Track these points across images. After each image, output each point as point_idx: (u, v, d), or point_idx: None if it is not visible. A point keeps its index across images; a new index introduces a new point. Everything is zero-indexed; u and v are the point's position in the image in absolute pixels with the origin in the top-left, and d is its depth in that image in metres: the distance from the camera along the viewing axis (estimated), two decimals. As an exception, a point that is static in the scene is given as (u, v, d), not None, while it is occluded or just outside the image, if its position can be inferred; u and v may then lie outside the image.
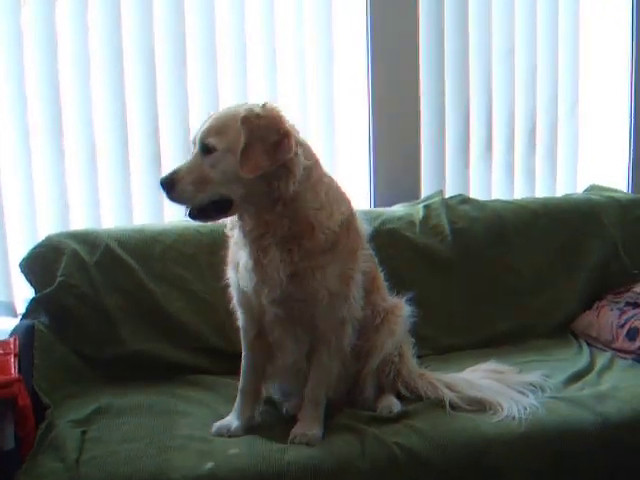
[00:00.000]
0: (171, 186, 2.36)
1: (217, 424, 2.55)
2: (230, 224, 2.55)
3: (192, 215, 2.42)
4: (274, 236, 2.41)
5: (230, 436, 2.49)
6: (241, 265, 2.50)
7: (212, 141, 2.35)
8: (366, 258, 2.62)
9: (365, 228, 2.64)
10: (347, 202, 2.55)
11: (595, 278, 3.57)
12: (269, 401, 2.73)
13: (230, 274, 2.59)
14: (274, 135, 2.32)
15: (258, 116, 2.34)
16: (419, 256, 3.34)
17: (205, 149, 2.36)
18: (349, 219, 2.51)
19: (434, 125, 3.82)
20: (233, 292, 2.60)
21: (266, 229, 2.41)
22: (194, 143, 2.42)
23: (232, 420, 2.56)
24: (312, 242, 2.41)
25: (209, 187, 2.35)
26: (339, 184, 2.56)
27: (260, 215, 2.40)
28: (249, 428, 2.55)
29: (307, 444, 2.40)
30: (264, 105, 2.39)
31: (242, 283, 2.50)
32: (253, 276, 2.45)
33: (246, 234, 2.44)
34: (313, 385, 2.54)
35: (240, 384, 2.62)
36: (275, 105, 2.41)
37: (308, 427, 2.47)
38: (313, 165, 2.44)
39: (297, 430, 2.46)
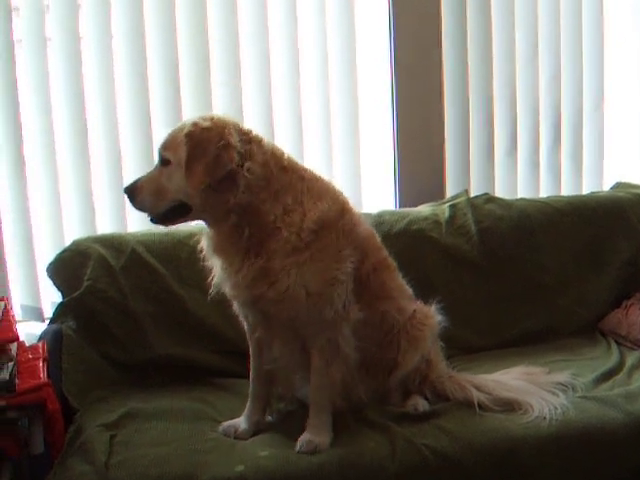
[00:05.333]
0: (132, 195, 2.45)
1: (225, 424, 2.57)
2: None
3: (153, 220, 2.49)
4: (236, 245, 2.41)
5: (236, 437, 2.51)
6: (216, 272, 2.54)
7: (167, 154, 2.41)
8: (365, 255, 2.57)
9: (366, 228, 2.62)
10: (335, 202, 2.48)
11: (623, 276, 3.54)
12: (299, 401, 2.71)
13: None
14: (214, 149, 2.32)
15: (202, 130, 2.35)
16: (445, 256, 3.32)
17: (162, 161, 2.42)
18: (334, 218, 2.45)
19: (458, 124, 3.81)
20: None
21: (226, 239, 2.42)
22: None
23: (240, 422, 2.57)
24: (279, 243, 2.38)
25: (167, 197, 2.40)
26: (330, 186, 2.52)
27: (217, 226, 2.43)
28: (269, 428, 2.58)
29: (314, 452, 2.37)
30: (212, 118, 2.40)
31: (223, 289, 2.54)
32: (226, 282, 2.49)
33: (209, 243, 2.49)
34: (314, 389, 2.51)
35: (250, 387, 2.64)
36: (224, 116, 2.44)
37: (314, 434, 2.43)
38: (273, 172, 2.40)
39: (304, 438, 2.43)
